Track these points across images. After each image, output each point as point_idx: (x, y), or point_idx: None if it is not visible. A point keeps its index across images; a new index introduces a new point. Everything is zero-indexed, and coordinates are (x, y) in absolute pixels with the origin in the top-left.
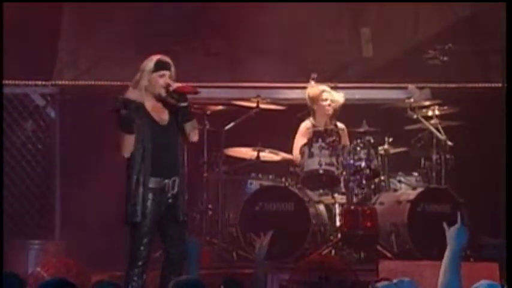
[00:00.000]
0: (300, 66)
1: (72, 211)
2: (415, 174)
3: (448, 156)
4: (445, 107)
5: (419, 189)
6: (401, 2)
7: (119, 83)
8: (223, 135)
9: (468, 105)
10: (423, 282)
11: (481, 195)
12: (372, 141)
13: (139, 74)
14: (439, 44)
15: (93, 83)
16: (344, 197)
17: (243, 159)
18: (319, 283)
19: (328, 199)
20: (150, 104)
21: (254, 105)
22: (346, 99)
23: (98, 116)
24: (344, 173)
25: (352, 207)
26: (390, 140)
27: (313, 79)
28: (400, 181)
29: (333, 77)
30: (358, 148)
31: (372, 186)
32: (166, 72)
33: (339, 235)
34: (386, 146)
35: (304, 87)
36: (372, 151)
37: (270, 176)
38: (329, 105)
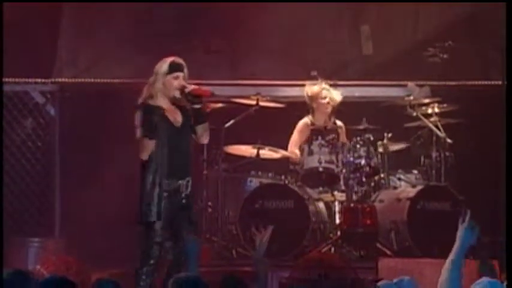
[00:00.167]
0: (300, 66)
1: (71, 209)
2: (415, 171)
3: (447, 153)
4: (445, 105)
5: (419, 187)
6: (401, 2)
7: (118, 81)
8: (223, 132)
9: (468, 102)
10: (423, 280)
11: (480, 193)
12: (372, 138)
13: (154, 77)
14: (439, 41)
15: (92, 80)
16: (344, 194)
17: (243, 157)
18: (319, 281)
19: (327, 197)
20: (164, 105)
21: (254, 102)
22: (346, 97)
23: (98, 114)
24: (344, 170)
25: (352, 204)
26: (390, 137)
27: (313, 77)
28: (399, 179)
29: (332, 74)
30: (358, 146)
31: (372, 184)
32: (180, 74)
33: (339, 233)
34: (386, 144)
35: (304, 85)
36: (372, 149)
37: (270, 174)
38: (328, 103)
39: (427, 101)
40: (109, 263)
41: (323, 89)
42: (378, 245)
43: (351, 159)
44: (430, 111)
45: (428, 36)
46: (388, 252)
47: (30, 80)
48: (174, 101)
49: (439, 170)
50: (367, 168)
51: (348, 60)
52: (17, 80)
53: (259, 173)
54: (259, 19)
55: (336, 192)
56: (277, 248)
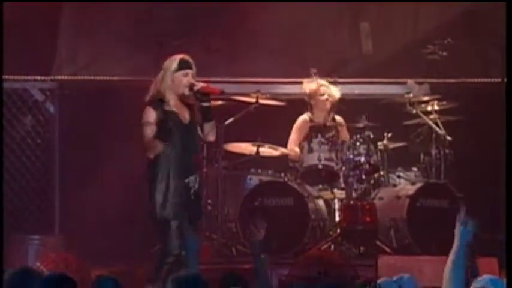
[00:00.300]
0: (300, 65)
1: (71, 206)
2: (415, 169)
3: (447, 151)
4: (445, 102)
5: (419, 184)
6: (401, 1)
7: (117, 79)
8: (223, 130)
9: (467, 100)
10: (422, 277)
11: (480, 190)
12: (371, 136)
13: (162, 74)
14: (439, 39)
15: (92, 78)
16: (343, 192)
17: (243, 155)
18: (318, 278)
19: (327, 194)
20: (173, 102)
21: (254, 100)
22: (346, 95)
23: (97, 111)
24: (343, 168)
25: (352, 202)
26: (389, 135)
27: (313, 74)
28: (399, 176)
29: (332, 72)
30: (358, 143)
31: (371, 181)
32: (190, 71)
33: (338, 230)
34: (385, 141)
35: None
36: (371, 146)
37: (270, 171)
38: (326, 99)
39: (426, 98)
40: (108, 260)
41: (321, 85)
42: (378, 242)
43: (351, 156)
44: (429, 108)
45: (428, 34)
46: (388, 250)
47: (29, 77)
48: (182, 98)
49: (438, 167)
50: (367, 166)
51: (347, 59)
52: (16, 77)
53: (259, 170)
54: (259, 19)
55: (335, 190)
56: (276, 246)
